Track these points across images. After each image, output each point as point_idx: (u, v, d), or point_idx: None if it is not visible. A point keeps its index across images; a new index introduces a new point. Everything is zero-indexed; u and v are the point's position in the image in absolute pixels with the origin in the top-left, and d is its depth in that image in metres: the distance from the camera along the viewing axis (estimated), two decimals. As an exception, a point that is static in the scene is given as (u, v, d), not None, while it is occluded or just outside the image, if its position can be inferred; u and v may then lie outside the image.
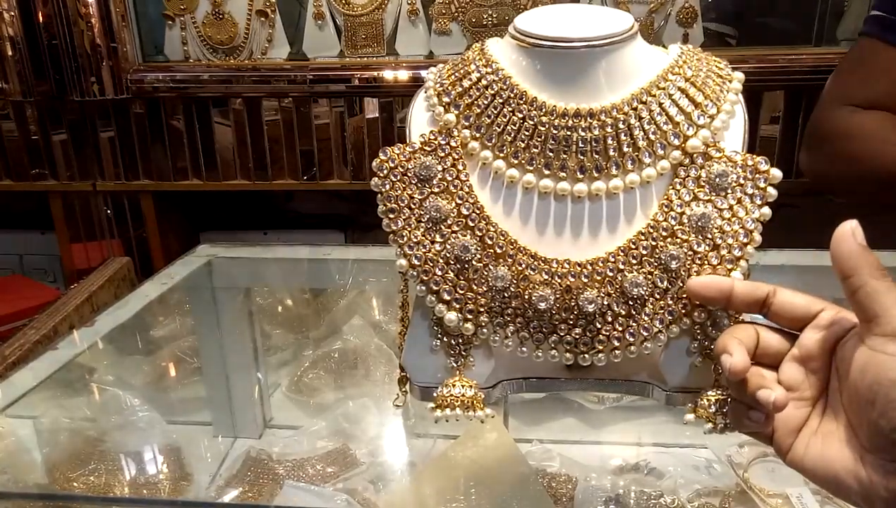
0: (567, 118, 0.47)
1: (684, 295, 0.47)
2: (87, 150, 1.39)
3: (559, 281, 0.47)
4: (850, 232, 0.40)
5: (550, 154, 0.47)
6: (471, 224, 0.48)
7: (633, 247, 0.47)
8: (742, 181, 0.47)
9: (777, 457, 0.45)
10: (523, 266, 0.47)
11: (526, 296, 0.47)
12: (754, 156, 0.47)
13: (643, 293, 0.47)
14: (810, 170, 1.04)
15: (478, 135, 0.49)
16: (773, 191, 0.47)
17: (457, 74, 0.50)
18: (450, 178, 0.48)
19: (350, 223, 1.64)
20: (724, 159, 0.47)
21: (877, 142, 0.93)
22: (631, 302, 0.47)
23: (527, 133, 0.48)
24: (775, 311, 0.44)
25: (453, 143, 0.49)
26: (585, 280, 0.47)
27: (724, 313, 0.47)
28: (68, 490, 0.78)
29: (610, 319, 0.47)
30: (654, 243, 0.47)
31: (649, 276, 0.47)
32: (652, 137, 0.47)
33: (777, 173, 0.47)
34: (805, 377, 0.43)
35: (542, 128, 0.47)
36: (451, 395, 0.49)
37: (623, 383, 0.51)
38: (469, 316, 0.48)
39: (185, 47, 1.38)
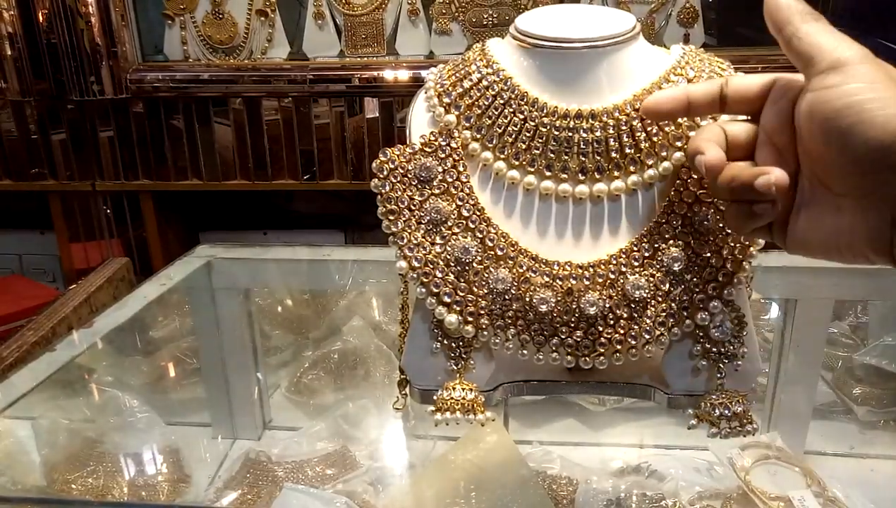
0: (568, 119, 0.47)
1: (686, 298, 0.46)
2: (86, 150, 1.39)
3: (560, 283, 0.47)
4: None
5: (552, 155, 0.47)
6: (471, 226, 0.48)
7: (635, 249, 0.47)
8: (745, 183, 0.46)
9: (778, 461, 0.44)
10: (524, 268, 0.47)
11: (527, 299, 0.47)
12: (757, 158, 0.47)
13: (645, 295, 0.46)
14: None
15: (479, 136, 0.48)
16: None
17: (457, 75, 0.50)
18: (450, 180, 0.48)
19: (350, 223, 1.64)
20: (726, 161, 0.47)
21: None
22: (633, 305, 0.46)
23: (528, 134, 0.47)
24: (732, 99, 0.43)
25: (454, 144, 0.48)
26: (587, 282, 0.46)
27: (726, 314, 0.47)
28: (66, 492, 0.78)
29: (611, 322, 0.47)
30: (655, 245, 0.47)
31: (651, 279, 0.46)
32: (654, 139, 0.47)
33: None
34: (779, 156, 0.42)
35: (544, 130, 0.47)
36: (452, 399, 0.48)
37: (625, 386, 0.50)
38: (469, 319, 0.48)
39: (184, 47, 1.37)
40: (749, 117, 0.44)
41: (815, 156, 0.40)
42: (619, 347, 0.47)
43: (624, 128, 0.47)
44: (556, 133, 0.47)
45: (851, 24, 0.95)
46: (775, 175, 0.39)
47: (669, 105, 0.45)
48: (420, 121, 0.51)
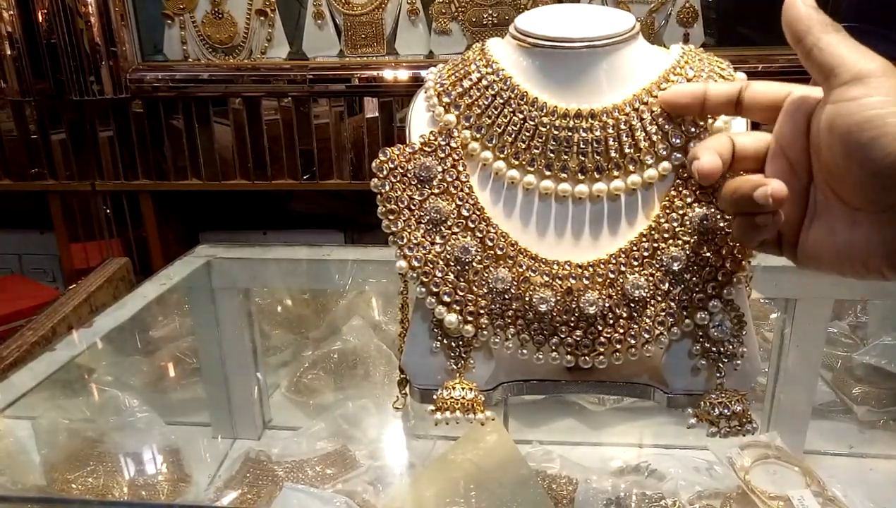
0: (568, 119, 0.47)
1: (686, 298, 0.46)
2: (86, 150, 1.39)
3: (560, 282, 0.47)
4: None
5: (551, 155, 0.47)
6: (471, 225, 0.48)
7: (634, 248, 0.47)
8: (744, 182, 0.46)
9: (778, 461, 0.44)
10: (524, 267, 0.47)
11: (527, 298, 0.47)
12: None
13: (644, 295, 0.46)
14: None
15: (478, 135, 0.48)
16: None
17: (457, 74, 0.50)
18: (450, 179, 0.48)
19: (350, 223, 1.64)
20: (726, 160, 0.47)
21: None
22: (632, 304, 0.46)
23: (527, 134, 0.47)
24: (749, 105, 0.43)
25: (453, 144, 0.48)
26: (586, 282, 0.47)
27: (725, 314, 0.47)
28: (66, 492, 0.78)
29: (611, 321, 0.47)
30: (655, 245, 0.47)
31: (650, 278, 0.46)
32: (654, 138, 0.47)
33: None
34: (791, 168, 0.42)
35: (543, 129, 0.47)
36: (452, 398, 0.48)
37: (624, 386, 0.50)
38: (469, 318, 0.48)
39: (184, 47, 1.37)
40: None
41: (833, 169, 0.39)
42: (618, 346, 0.47)
43: (623, 127, 0.47)
44: (556, 132, 0.47)
45: (860, 18, 0.93)
46: (773, 186, 0.39)
47: (686, 99, 0.45)
48: (420, 120, 0.51)
